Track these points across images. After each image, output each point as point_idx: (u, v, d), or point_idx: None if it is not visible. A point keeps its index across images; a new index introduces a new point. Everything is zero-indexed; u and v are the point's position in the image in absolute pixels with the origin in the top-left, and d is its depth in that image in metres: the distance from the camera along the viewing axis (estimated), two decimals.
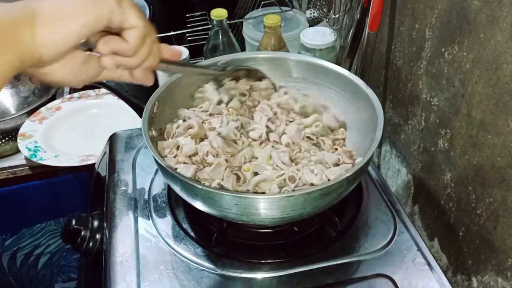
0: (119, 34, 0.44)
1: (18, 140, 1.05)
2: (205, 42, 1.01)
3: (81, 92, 1.21)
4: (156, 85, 0.91)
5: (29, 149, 1.02)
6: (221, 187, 0.61)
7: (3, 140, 1.06)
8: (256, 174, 0.63)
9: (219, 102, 0.74)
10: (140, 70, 0.48)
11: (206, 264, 0.62)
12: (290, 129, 0.69)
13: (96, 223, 0.72)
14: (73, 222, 0.71)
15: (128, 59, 0.45)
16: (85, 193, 1.02)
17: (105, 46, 0.43)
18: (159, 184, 0.75)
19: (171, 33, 1.09)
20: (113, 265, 0.62)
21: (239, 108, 0.73)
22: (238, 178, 0.63)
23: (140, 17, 0.44)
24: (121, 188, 0.74)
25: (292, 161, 0.65)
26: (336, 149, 0.69)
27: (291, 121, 0.72)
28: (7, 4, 0.38)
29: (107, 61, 0.44)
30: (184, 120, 0.71)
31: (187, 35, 1.14)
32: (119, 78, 0.49)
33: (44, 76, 0.43)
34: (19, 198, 1.08)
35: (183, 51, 0.95)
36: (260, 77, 0.73)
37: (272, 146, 0.67)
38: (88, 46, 0.44)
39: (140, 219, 0.69)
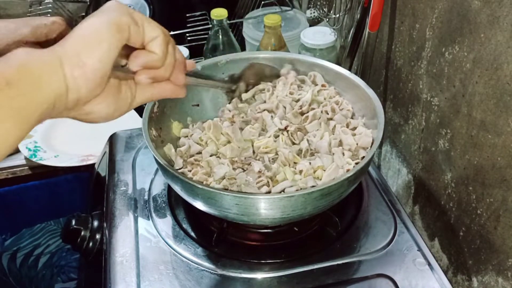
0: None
1: None
2: (205, 42, 1.01)
3: None
4: None
5: (29, 149, 1.02)
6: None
7: None
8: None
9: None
10: (171, 83, 0.48)
11: (206, 264, 0.62)
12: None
13: (96, 223, 0.72)
14: (73, 222, 0.71)
15: (159, 71, 0.45)
16: (85, 193, 1.02)
17: (135, 61, 0.44)
18: (159, 184, 0.75)
19: (171, 33, 1.09)
20: (113, 265, 0.62)
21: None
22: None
23: (157, 26, 0.44)
24: (121, 188, 0.74)
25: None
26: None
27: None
28: (34, 51, 0.38)
29: (140, 77, 0.45)
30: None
31: (187, 35, 1.14)
32: (154, 97, 0.49)
33: (88, 116, 0.43)
34: (19, 198, 1.08)
35: (183, 51, 0.95)
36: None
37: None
38: (119, 73, 0.44)
39: (140, 219, 0.69)
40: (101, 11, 0.42)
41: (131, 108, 0.47)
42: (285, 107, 0.71)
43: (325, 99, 0.73)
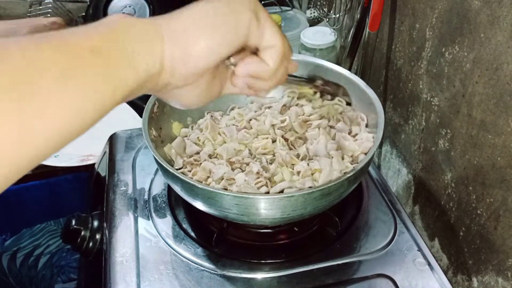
0: (255, 53, 0.39)
1: None
2: None
3: None
4: None
5: None
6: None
7: None
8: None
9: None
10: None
11: (206, 264, 0.62)
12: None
13: (96, 223, 0.72)
14: (73, 222, 0.71)
15: (262, 82, 0.40)
16: (85, 193, 1.02)
17: (244, 68, 0.39)
18: (159, 184, 0.75)
19: None
20: (113, 265, 0.62)
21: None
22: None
23: (279, 35, 0.39)
24: (121, 188, 0.74)
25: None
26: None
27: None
28: (132, 19, 0.33)
29: (240, 81, 0.40)
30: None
31: None
32: (237, 92, 0.44)
33: (173, 99, 0.38)
34: (19, 198, 1.08)
35: None
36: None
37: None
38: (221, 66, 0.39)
39: (140, 219, 0.69)
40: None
41: (216, 98, 0.42)
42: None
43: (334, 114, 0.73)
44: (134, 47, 0.31)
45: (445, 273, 0.62)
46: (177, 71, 0.34)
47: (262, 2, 1.17)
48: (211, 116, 0.73)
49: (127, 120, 1.04)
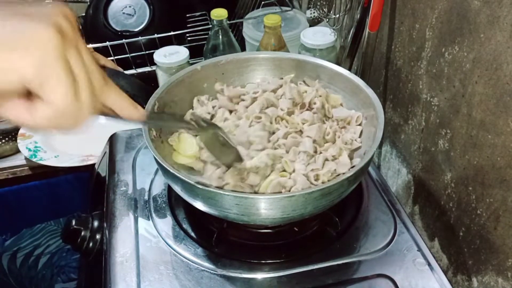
0: None
1: (18, 140, 1.04)
2: (205, 42, 1.01)
3: None
4: (156, 85, 0.91)
5: (29, 149, 1.02)
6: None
7: (3, 140, 1.06)
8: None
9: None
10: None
11: (206, 264, 0.62)
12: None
13: (96, 223, 0.72)
14: (73, 222, 0.71)
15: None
16: (85, 193, 1.02)
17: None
18: (159, 184, 0.75)
19: (171, 33, 1.09)
20: (113, 265, 0.62)
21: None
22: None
23: (62, 95, 0.34)
24: (121, 188, 0.74)
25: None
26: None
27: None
28: None
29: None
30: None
31: (187, 35, 1.14)
32: None
33: None
34: (19, 198, 1.08)
35: (183, 51, 0.95)
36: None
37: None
38: None
39: (140, 220, 0.69)
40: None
41: None
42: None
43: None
44: None
45: (445, 273, 0.62)
46: None
47: (263, 2, 1.17)
48: (198, 100, 0.73)
49: None
